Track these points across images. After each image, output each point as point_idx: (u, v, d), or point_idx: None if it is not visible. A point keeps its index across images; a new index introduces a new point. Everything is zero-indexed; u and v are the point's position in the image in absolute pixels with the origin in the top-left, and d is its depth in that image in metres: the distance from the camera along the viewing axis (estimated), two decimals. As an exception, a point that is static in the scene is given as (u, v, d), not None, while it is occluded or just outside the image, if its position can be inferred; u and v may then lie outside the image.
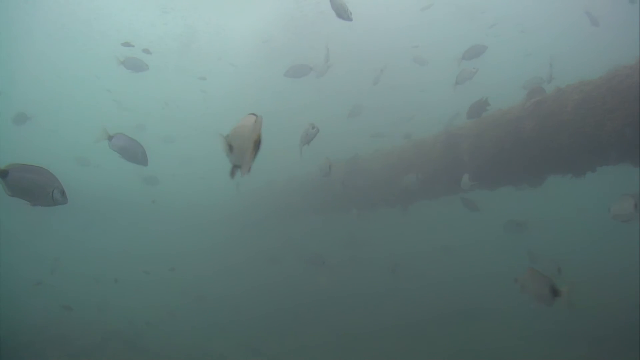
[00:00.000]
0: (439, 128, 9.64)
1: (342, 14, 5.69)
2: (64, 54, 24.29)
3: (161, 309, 13.64)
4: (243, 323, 12.95)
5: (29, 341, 10.16)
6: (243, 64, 25.86)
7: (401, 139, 11.00)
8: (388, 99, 22.47)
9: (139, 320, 12.32)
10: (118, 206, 20.30)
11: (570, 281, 3.32)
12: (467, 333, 10.69)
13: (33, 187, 3.63)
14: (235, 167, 2.72)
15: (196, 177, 25.27)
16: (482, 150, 7.90)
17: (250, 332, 12.12)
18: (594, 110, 6.42)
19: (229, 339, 11.72)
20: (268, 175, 16.32)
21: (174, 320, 13.09)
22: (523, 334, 10.10)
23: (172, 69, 25.99)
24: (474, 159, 8.05)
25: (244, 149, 2.56)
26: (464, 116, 8.71)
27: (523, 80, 10.40)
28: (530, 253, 9.82)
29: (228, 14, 23.78)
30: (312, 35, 23.75)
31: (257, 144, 2.54)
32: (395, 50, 23.07)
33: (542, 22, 23.06)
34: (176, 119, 28.46)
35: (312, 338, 11.35)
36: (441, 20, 23.21)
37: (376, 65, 21.31)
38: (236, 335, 11.95)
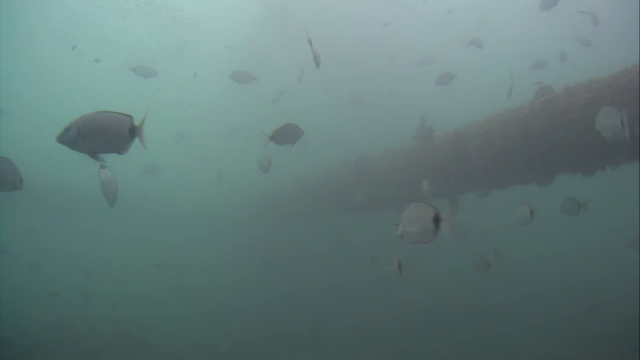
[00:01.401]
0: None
1: (317, 61, 6.23)
2: (47, 51, 24.39)
3: (156, 299, 13.95)
4: (230, 315, 13.21)
5: (40, 341, 10.21)
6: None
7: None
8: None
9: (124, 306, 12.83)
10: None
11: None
12: (471, 331, 10.74)
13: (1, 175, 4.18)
14: (93, 154, 3.35)
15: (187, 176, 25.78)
16: (491, 149, 7.92)
17: (236, 324, 12.35)
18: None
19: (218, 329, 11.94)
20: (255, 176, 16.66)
21: (168, 309, 13.34)
22: (527, 331, 10.14)
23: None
24: (482, 159, 8.07)
25: (112, 136, 3.31)
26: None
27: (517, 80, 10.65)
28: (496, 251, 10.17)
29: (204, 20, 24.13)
30: (280, 44, 24.14)
31: (133, 132, 3.34)
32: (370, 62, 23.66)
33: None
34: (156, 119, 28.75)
35: (295, 331, 11.54)
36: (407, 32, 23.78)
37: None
38: (223, 326, 12.17)
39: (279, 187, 15.96)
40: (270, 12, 23.13)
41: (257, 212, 16.96)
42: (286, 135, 5.93)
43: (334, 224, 14.65)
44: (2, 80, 23.88)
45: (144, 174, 15.99)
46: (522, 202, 5.92)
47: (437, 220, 3.27)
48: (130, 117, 3.37)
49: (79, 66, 24.30)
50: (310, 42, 6.19)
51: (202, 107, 28.25)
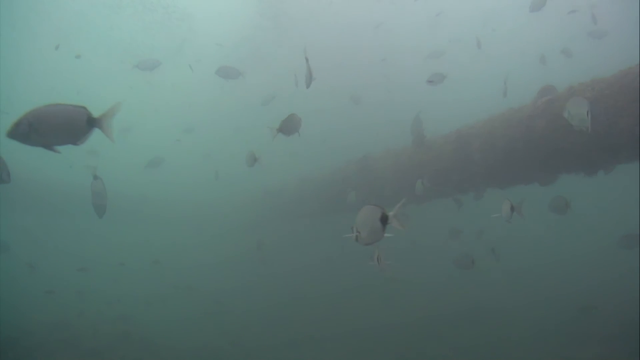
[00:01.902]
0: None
1: (308, 81, 6.25)
2: (45, 50, 24.40)
3: (156, 299, 13.98)
4: (229, 316, 13.23)
5: (41, 342, 10.22)
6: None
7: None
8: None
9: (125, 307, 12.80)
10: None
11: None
12: (473, 333, 10.73)
13: None
14: (48, 147, 3.43)
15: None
16: (494, 149, 7.93)
17: (235, 326, 12.36)
18: (606, 109, 6.44)
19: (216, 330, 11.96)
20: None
21: (169, 310, 13.39)
22: (531, 333, 10.14)
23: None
24: (485, 159, 8.08)
25: (67, 128, 3.38)
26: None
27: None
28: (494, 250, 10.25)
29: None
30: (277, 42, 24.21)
31: (91, 123, 3.42)
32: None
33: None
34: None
35: (301, 334, 11.53)
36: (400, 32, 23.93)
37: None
38: (222, 327, 12.20)
39: (279, 188, 15.99)
40: (268, 10, 23.15)
41: (257, 212, 16.95)
42: (292, 125, 6.04)
43: (337, 224, 14.64)
44: (2, 80, 23.93)
45: (148, 167, 15.99)
46: (505, 198, 6.09)
47: (384, 219, 3.39)
48: (84, 108, 3.43)
49: (74, 64, 24.39)
50: (307, 59, 6.11)
51: (200, 106, 28.27)
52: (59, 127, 3.36)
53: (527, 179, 7.97)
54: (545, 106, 7.18)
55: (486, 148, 8.02)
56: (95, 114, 3.48)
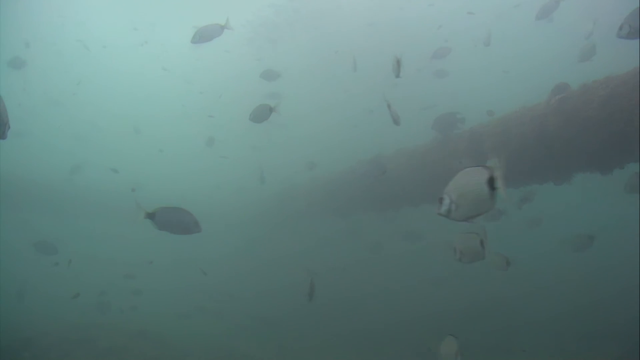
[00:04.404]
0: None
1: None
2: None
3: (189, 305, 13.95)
4: (266, 323, 13.15)
5: (56, 342, 10.33)
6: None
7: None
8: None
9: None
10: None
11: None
12: (478, 329, 10.74)
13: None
14: None
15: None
16: (506, 147, 7.92)
17: (273, 332, 12.31)
18: (620, 106, 6.42)
19: (252, 338, 11.90)
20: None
21: (203, 316, 13.37)
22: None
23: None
24: (498, 157, 8.06)
25: None
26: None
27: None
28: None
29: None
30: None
31: None
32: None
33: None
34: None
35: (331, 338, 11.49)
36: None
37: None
38: (259, 335, 12.14)
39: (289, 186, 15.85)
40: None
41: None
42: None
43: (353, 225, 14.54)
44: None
45: (206, 145, 16.36)
46: None
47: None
48: None
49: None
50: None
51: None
52: None
53: (541, 178, 7.96)
54: (559, 104, 7.17)
55: (499, 146, 8.02)
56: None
